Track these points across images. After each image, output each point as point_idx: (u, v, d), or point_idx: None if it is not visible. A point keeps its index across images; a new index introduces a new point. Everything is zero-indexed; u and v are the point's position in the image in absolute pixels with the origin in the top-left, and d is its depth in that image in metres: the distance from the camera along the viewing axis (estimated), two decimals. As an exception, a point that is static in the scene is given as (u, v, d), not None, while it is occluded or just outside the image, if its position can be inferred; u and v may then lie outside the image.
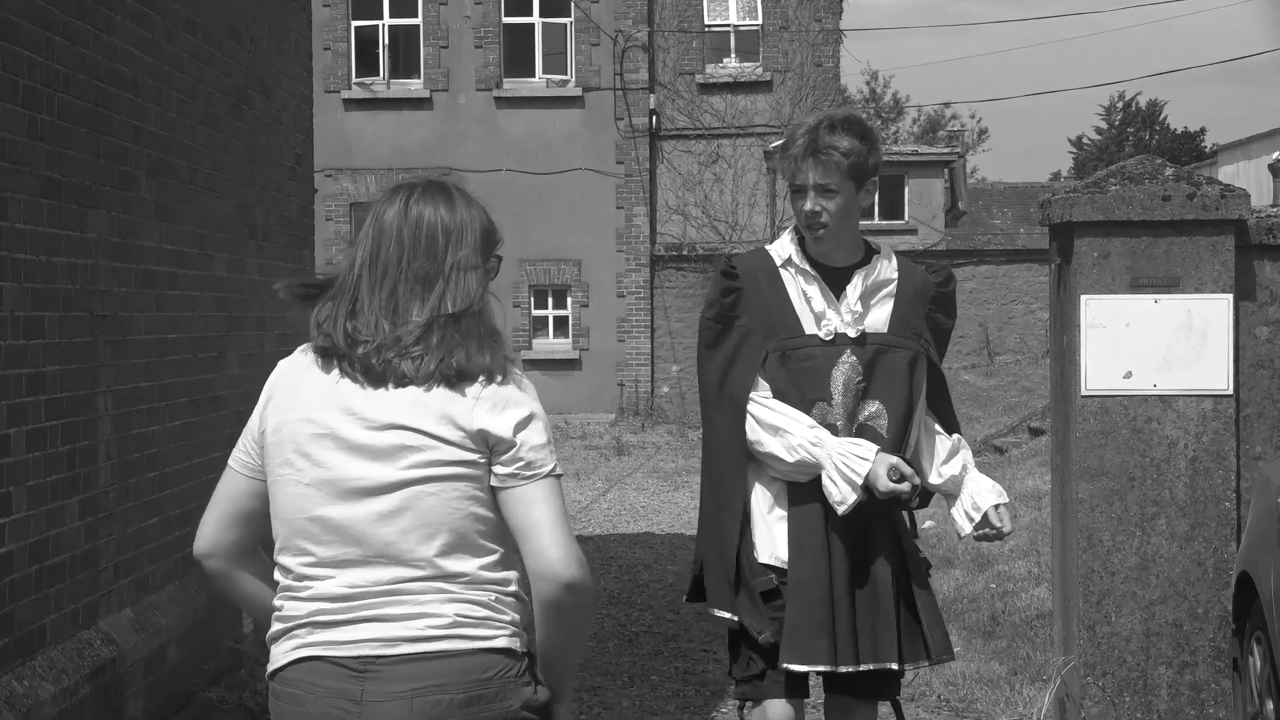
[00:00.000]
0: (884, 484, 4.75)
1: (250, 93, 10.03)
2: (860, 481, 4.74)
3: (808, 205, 4.85)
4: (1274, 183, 23.33)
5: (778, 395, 4.88)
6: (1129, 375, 7.65)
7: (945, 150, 37.29)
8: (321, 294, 3.52)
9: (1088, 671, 7.61)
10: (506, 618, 3.43)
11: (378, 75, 29.47)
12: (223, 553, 3.58)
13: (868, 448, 4.79)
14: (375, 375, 3.40)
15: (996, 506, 4.99)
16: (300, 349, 3.54)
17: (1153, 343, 7.64)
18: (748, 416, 4.85)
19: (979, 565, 11.22)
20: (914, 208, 31.59)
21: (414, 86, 29.47)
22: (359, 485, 3.38)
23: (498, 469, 3.39)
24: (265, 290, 10.13)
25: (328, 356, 3.45)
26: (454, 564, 3.38)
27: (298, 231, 11.22)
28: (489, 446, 3.38)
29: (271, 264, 10.39)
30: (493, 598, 3.42)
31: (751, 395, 4.86)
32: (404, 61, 29.63)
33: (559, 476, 3.46)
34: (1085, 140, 75.36)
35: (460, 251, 3.46)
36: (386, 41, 29.46)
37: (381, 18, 29.47)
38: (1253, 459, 7.68)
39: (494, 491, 3.41)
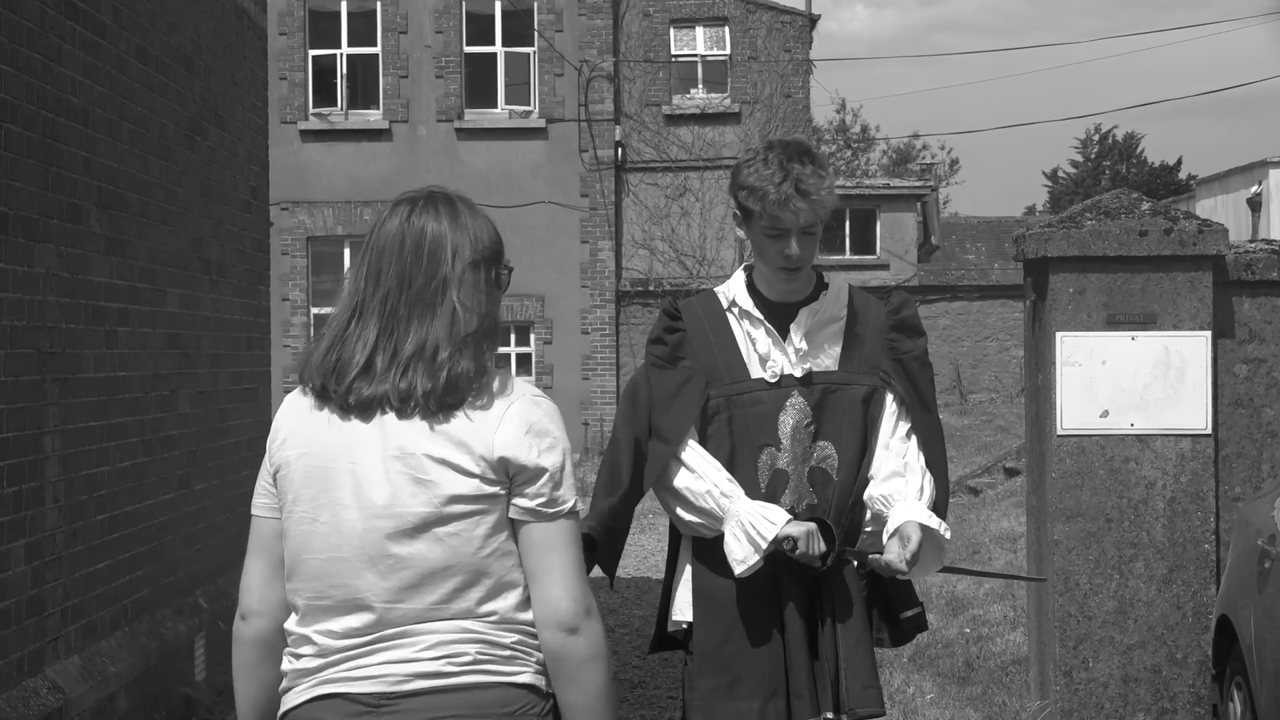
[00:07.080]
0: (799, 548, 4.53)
1: (204, 123, 9.88)
2: (764, 545, 4.53)
3: (794, 249, 4.66)
4: (1252, 217, 23.38)
5: (725, 443, 4.70)
6: (1106, 414, 7.57)
7: (918, 184, 37.11)
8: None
9: (1064, 718, 7.50)
10: (532, 656, 3.26)
11: (335, 106, 29.13)
12: (269, 611, 3.39)
13: (778, 513, 4.58)
14: (372, 406, 3.22)
15: (920, 526, 4.57)
16: (299, 389, 3.37)
17: (1130, 381, 7.57)
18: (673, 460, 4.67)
19: (953, 609, 11.11)
20: (886, 242, 31.39)
21: (373, 117, 29.16)
22: (376, 523, 3.21)
23: (518, 501, 3.23)
24: (218, 326, 10.01)
25: (322, 397, 3.27)
26: (479, 603, 3.23)
27: (253, 266, 11.10)
28: (509, 476, 3.22)
29: (225, 299, 10.24)
30: (516, 639, 3.25)
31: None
32: (362, 92, 29.32)
33: (577, 512, 3.31)
34: (1061, 173, 75.75)
35: (464, 264, 3.26)
36: (344, 71, 29.17)
37: (340, 47, 29.21)
38: (1232, 500, 7.63)
39: (512, 524, 3.25)
